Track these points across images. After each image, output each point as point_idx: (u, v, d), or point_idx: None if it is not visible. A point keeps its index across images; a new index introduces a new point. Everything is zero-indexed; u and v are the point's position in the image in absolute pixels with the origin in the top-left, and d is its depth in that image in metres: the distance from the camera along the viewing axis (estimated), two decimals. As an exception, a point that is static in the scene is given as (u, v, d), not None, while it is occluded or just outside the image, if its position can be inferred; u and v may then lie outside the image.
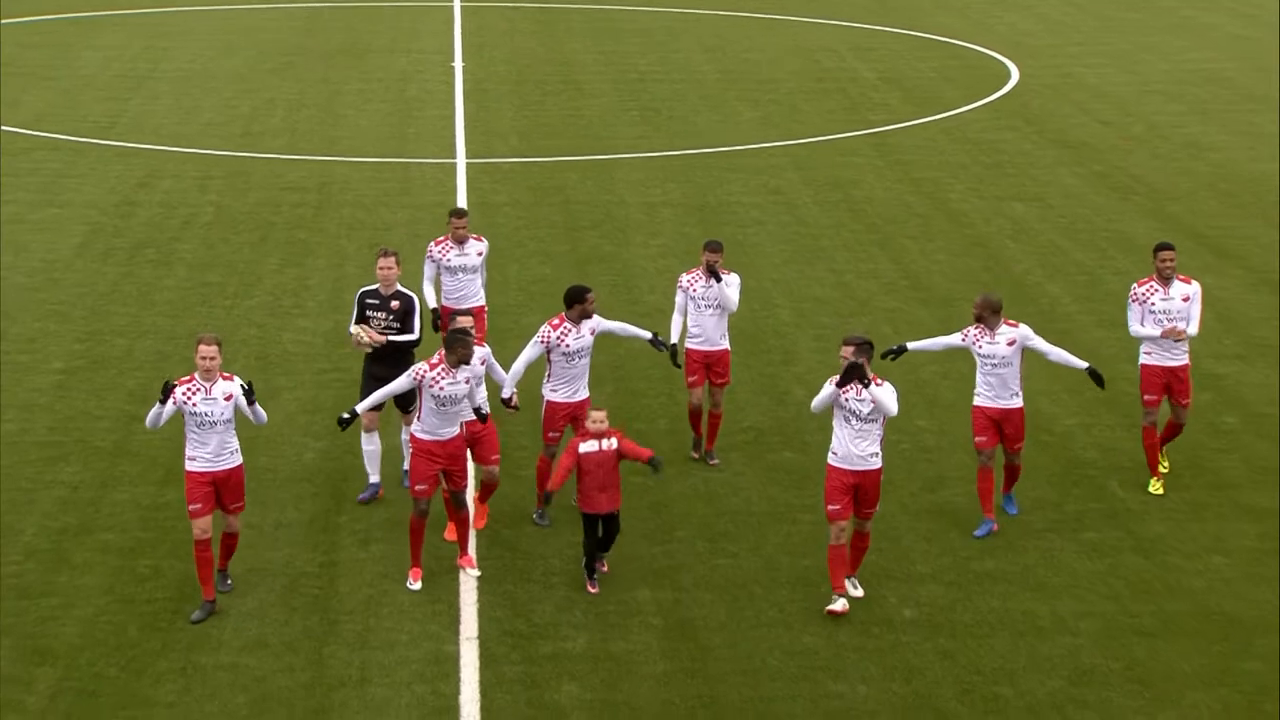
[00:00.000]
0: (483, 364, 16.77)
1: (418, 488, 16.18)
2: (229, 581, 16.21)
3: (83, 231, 28.08)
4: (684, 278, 18.85)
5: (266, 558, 16.56)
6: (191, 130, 35.93)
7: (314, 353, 22.87)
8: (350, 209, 29.97)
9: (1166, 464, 18.67)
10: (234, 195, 30.66)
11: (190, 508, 15.59)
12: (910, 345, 17.79)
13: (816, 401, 15.74)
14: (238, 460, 15.86)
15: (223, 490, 15.74)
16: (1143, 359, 18.41)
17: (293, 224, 28.87)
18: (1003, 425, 17.27)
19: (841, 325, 23.77)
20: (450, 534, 17.03)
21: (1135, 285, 18.64)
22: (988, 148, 34.82)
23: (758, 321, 24.02)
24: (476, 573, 16.35)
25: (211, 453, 15.59)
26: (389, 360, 17.39)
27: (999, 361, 17.10)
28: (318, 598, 16.27)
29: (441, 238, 20.29)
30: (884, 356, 17.19)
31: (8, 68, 41.85)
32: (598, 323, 17.82)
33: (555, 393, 17.61)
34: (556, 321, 17.56)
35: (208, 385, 15.51)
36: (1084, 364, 17.66)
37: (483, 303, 20.40)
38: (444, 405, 15.98)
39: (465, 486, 16.56)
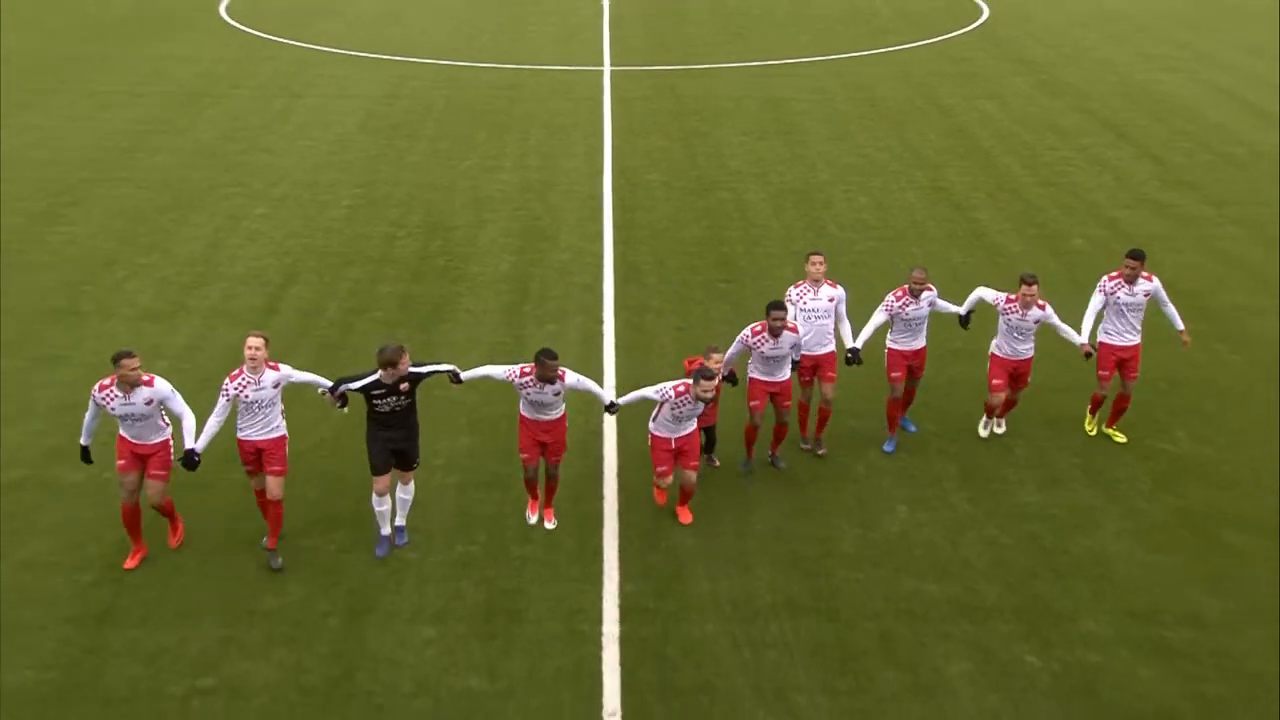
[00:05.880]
0: (556, 394, 12.34)
1: (523, 456, 12.62)
2: (280, 560, 12.14)
3: (361, 115, 28.19)
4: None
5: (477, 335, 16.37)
6: (430, 48, 35.66)
7: (508, 196, 22.86)
8: (531, 101, 29.75)
9: (1094, 428, 14.98)
10: (456, 92, 30.53)
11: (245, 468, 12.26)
12: (858, 344, 13.90)
13: (976, 295, 13.99)
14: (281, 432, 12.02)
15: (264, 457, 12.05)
16: (1101, 337, 14.43)
17: (495, 111, 28.75)
18: (912, 362, 14.32)
19: (865, 183, 23.71)
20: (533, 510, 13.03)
21: (1106, 280, 14.29)
22: (966, 63, 33.86)
23: (806, 180, 23.89)
24: (552, 525, 12.82)
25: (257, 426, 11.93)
26: (397, 423, 12.07)
27: (920, 319, 14.09)
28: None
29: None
30: (848, 363, 13.94)
31: (316, 5, 41.92)
32: (799, 341, 13.65)
33: (754, 372, 13.59)
34: (758, 328, 13.31)
35: (256, 377, 11.80)
36: (961, 310, 14.30)
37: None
38: (535, 404, 12.41)
39: (560, 460, 12.70)
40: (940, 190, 23.43)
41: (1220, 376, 16.22)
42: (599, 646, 11.08)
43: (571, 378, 12.31)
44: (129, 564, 12.06)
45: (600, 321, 17.50)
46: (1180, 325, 14.40)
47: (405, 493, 12.51)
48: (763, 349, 13.37)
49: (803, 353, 13.86)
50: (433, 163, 24.91)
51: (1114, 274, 14.30)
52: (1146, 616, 11.61)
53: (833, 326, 13.87)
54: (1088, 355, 14.14)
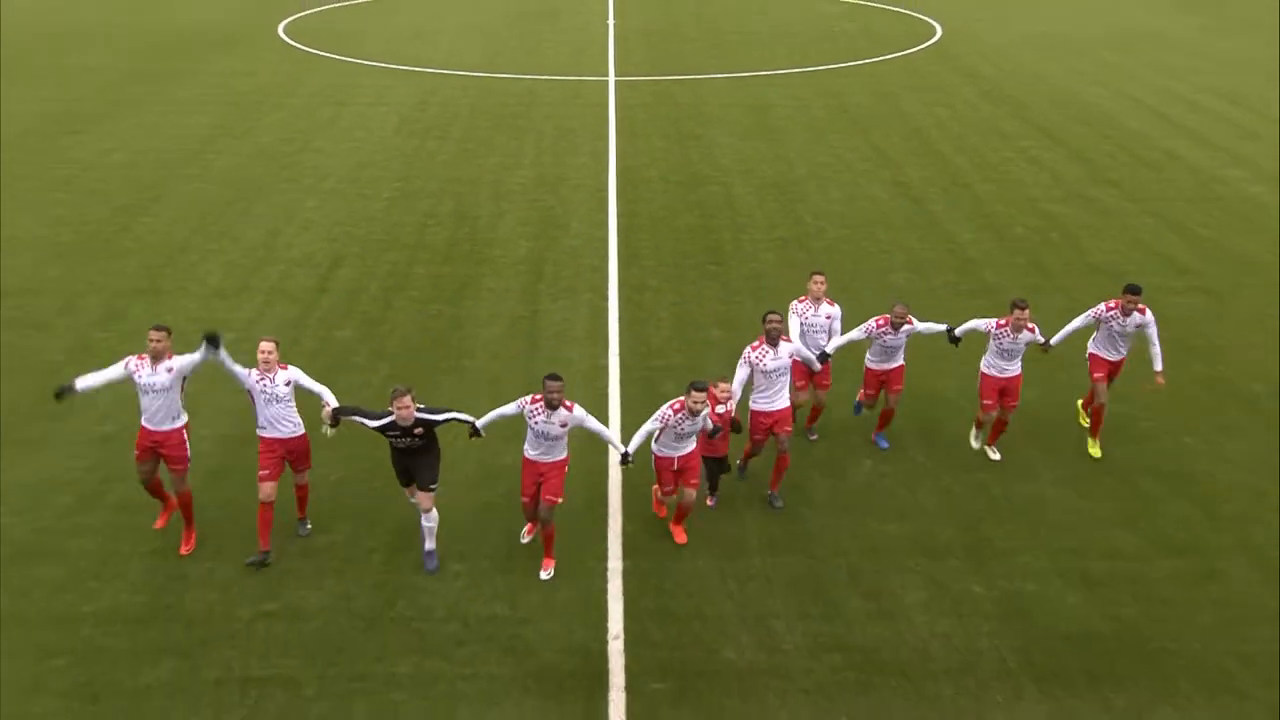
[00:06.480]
0: (563, 425, 10.92)
1: (524, 498, 11.32)
2: (308, 526, 11.81)
3: (397, 120, 27.98)
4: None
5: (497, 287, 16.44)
6: (458, 62, 35.43)
7: (525, 189, 22.72)
8: (546, 107, 29.55)
9: (1085, 419, 14.14)
10: (481, 99, 30.32)
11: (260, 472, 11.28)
12: (829, 349, 12.99)
13: (971, 324, 13.11)
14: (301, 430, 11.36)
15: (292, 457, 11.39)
16: (1092, 350, 13.57)
17: (514, 116, 28.58)
18: (885, 380, 13.33)
19: (836, 179, 23.60)
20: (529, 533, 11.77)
21: (1104, 308, 13.26)
22: (923, 75, 33.60)
23: (785, 176, 23.74)
24: (548, 575, 11.13)
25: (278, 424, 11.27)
26: (415, 455, 11.10)
27: (896, 346, 13.05)
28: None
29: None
30: (820, 361, 12.99)
31: (358, 25, 41.55)
32: (796, 350, 12.55)
33: (756, 403, 12.29)
34: (756, 343, 12.12)
35: (270, 375, 11.16)
36: (957, 331, 13.30)
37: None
38: (541, 437, 10.97)
39: (556, 500, 11.08)
40: (901, 185, 23.33)
41: (1140, 348, 16.20)
42: (604, 579, 11.12)
43: (580, 412, 10.84)
44: (158, 524, 11.80)
45: (605, 298, 17.50)
46: (1159, 366, 13.20)
47: (429, 520, 11.21)
48: (764, 363, 12.00)
49: (797, 360, 12.81)
50: (460, 161, 24.75)
51: (1111, 304, 13.22)
52: (1075, 551, 11.68)
53: (827, 340, 13.08)
54: (1046, 349, 13.23)
